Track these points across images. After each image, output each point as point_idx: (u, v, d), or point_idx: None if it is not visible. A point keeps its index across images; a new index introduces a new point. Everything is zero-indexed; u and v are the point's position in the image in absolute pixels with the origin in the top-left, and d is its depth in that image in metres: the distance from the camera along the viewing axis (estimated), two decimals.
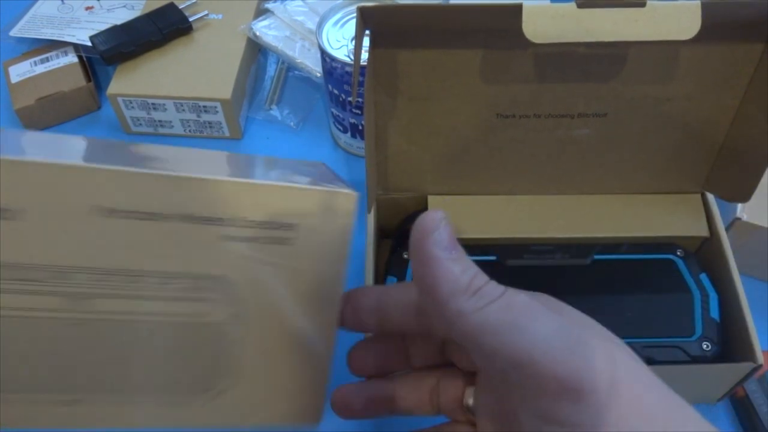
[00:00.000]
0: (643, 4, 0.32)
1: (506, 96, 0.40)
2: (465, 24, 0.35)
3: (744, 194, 0.43)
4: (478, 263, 0.43)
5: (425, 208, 0.46)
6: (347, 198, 0.30)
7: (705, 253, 0.45)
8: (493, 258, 0.44)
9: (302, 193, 0.29)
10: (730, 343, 0.41)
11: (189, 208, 0.28)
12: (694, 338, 0.40)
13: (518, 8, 0.33)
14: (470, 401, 0.30)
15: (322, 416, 0.32)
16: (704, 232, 0.44)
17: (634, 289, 0.42)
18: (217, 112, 0.58)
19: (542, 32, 0.33)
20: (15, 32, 0.64)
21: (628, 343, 0.40)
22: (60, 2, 0.67)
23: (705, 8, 0.33)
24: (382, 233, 0.49)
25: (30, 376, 0.28)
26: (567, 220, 0.45)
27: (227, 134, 0.60)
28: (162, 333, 0.29)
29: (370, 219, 0.44)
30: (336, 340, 0.31)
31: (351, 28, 0.53)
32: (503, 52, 0.37)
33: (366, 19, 0.34)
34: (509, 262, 0.44)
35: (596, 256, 0.44)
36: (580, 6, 0.33)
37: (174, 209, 0.27)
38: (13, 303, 0.27)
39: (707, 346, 0.40)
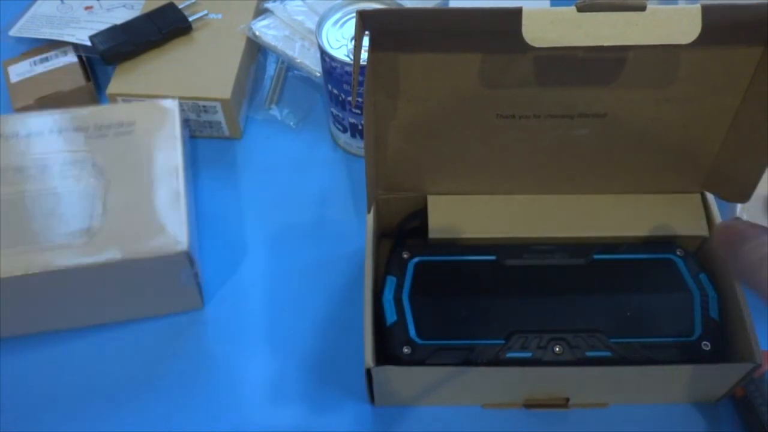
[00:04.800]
0: (643, 8, 0.32)
1: (506, 98, 0.40)
2: (465, 28, 0.35)
3: (743, 194, 0.43)
4: (478, 263, 0.45)
5: (425, 208, 0.46)
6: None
7: (705, 253, 0.45)
8: (492, 258, 0.44)
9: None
10: (730, 343, 0.41)
11: None
12: (693, 338, 0.41)
13: (518, 12, 0.33)
14: None
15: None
16: (704, 231, 0.44)
17: (633, 288, 0.43)
18: (216, 111, 0.58)
19: (542, 36, 0.33)
20: (14, 32, 0.64)
21: (628, 343, 0.41)
22: (59, 2, 0.67)
23: (705, 12, 0.33)
24: (382, 233, 0.49)
25: None
26: (567, 220, 0.45)
27: (227, 134, 0.60)
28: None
29: (370, 219, 0.44)
30: None
31: (351, 27, 0.53)
32: (503, 56, 0.37)
33: (365, 22, 0.34)
34: (508, 262, 0.44)
35: (596, 256, 0.44)
36: (580, 10, 0.33)
37: None
38: None
39: (707, 346, 0.40)
